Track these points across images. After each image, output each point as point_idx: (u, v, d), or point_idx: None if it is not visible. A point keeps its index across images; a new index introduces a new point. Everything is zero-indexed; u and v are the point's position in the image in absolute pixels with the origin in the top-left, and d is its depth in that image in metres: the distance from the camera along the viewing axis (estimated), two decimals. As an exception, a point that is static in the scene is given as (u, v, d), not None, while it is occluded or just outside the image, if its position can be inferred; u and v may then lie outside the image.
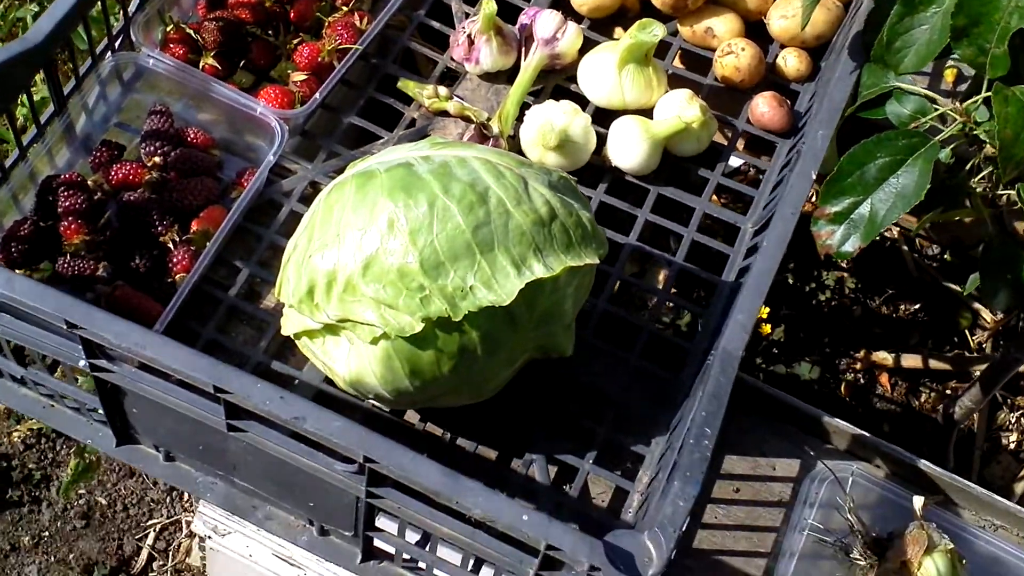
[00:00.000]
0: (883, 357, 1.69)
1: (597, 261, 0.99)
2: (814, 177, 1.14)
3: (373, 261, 0.93)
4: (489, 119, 1.29)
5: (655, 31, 1.27)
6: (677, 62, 1.41)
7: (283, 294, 1.01)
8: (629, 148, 1.27)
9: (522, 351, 1.02)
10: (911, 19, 1.16)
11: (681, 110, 1.28)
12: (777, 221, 1.10)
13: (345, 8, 1.34)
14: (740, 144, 1.39)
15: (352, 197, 0.96)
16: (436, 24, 1.40)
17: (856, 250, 1.13)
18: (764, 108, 1.33)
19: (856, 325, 1.72)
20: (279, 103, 1.24)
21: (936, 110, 1.18)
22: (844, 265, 1.74)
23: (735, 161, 1.39)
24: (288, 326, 1.03)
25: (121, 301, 1.09)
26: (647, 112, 1.32)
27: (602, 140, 1.29)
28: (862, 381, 1.67)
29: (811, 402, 1.21)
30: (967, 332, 1.74)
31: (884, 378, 1.68)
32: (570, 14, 1.38)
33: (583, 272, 1.00)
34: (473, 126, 1.27)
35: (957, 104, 1.15)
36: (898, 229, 1.71)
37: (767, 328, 1.61)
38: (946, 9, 1.12)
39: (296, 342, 1.05)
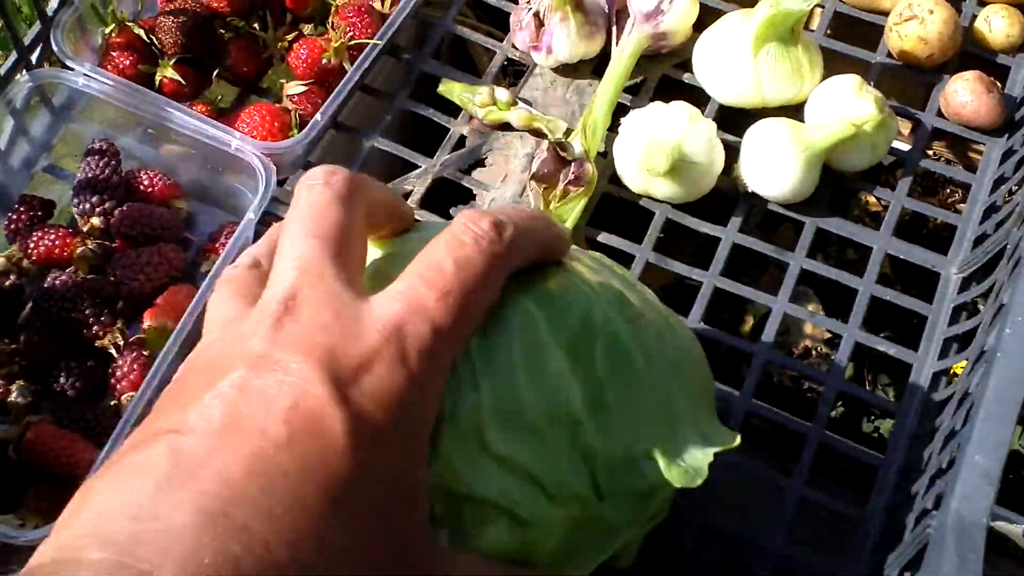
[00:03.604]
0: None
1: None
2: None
3: None
4: (569, 132, 0.90)
5: (807, -7, 0.86)
6: (828, 33, 1.00)
7: None
8: (774, 166, 0.87)
9: None
10: None
11: (848, 107, 0.87)
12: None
13: (360, -15, 0.95)
14: (930, 147, 0.99)
15: None
16: (490, -1, 1.01)
17: None
18: (966, 96, 0.92)
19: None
20: (266, 130, 0.86)
21: None
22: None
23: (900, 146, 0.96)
24: None
25: (37, 447, 0.74)
26: (795, 110, 0.92)
27: (732, 153, 0.90)
28: None
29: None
30: None
31: None
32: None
33: None
34: (546, 145, 0.89)
35: None
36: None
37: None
38: None
39: None
